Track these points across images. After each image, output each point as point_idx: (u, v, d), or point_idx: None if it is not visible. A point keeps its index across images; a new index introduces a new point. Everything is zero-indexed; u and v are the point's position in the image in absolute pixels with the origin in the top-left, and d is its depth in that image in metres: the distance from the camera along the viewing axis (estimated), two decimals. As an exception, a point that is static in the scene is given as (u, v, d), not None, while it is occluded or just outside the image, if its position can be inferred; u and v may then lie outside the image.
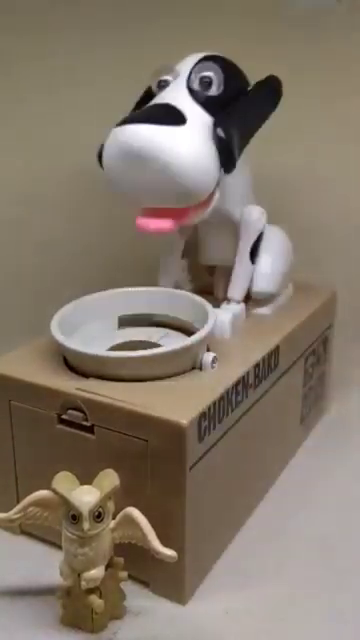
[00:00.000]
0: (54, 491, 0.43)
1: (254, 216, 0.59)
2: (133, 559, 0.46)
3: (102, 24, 0.85)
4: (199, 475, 0.46)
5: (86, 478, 0.44)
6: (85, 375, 0.49)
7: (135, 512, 0.43)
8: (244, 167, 0.58)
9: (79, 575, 0.43)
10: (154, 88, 0.56)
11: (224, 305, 0.59)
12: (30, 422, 0.50)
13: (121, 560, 0.45)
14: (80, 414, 0.47)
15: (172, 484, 0.45)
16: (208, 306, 0.54)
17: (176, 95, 0.53)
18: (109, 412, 0.46)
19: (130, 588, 0.47)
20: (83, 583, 0.43)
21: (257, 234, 0.59)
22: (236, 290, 0.59)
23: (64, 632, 0.45)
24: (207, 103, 0.53)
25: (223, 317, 0.56)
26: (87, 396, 0.47)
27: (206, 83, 0.53)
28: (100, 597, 0.44)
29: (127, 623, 0.46)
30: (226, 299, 0.59)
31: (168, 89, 0.54)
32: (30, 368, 0.51)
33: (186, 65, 0.55)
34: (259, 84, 0.58)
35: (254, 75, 0.59)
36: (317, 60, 0.82)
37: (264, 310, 0.61)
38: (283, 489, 0.60)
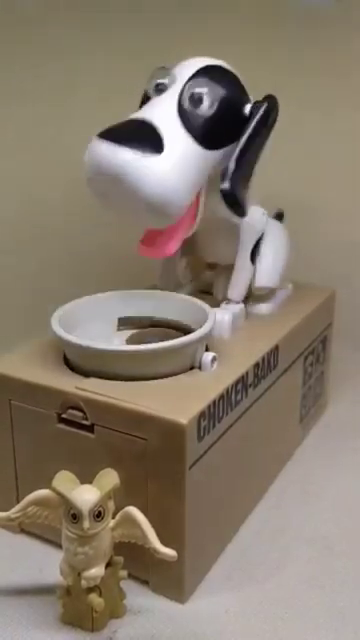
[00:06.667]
0: (54, 490, 0.43)
1: (255, 218, 0.58)
2: (133, 558, 0.46)
3: (102, 25, 0.85)
4: (198, 474, 0.46)
5: (86, 477, 0.44)
6: (84, 373, 0.50)
7: (135, 511, 0.43)
8: None
9: (79, 574, 0.43)
10: (150, 91, 0.54)
11: (224, 305, 0.59)
12: (30, 421, 0.50)
13: (121, 559, 0.45)
14: (80, 413, 0.47)
15: (172, 483, 0.45)
16: (207, 307, 0.54)
17: (164, 111, 0.51)
18: (109, 411, 0.46)
19: (130, 587, 0.47)
20: (83, 582, 0.43)
21: (258, 235, 0.59)
22: (236, 291, 0.59)
23: (64, 631, 0.45)
24: (193, 126, 0.51)
25: (223, 317, 0.56)
26: (87, 395, 0.47)
27: (197, 100, 0.52)
28: (100, 596, 0.44)
29: (127, 622, 0.46)
30: (226, 299, 0.60)
31: (160, 99, 0.52)
32: (30, 368, 0.51)
33: (183, 72, 0.53)
34: (260, 113, 0.54)
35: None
36: (317, 59, 0.82)
37: (264, 310, 0.62)
38: (282, 488, 0.60)
